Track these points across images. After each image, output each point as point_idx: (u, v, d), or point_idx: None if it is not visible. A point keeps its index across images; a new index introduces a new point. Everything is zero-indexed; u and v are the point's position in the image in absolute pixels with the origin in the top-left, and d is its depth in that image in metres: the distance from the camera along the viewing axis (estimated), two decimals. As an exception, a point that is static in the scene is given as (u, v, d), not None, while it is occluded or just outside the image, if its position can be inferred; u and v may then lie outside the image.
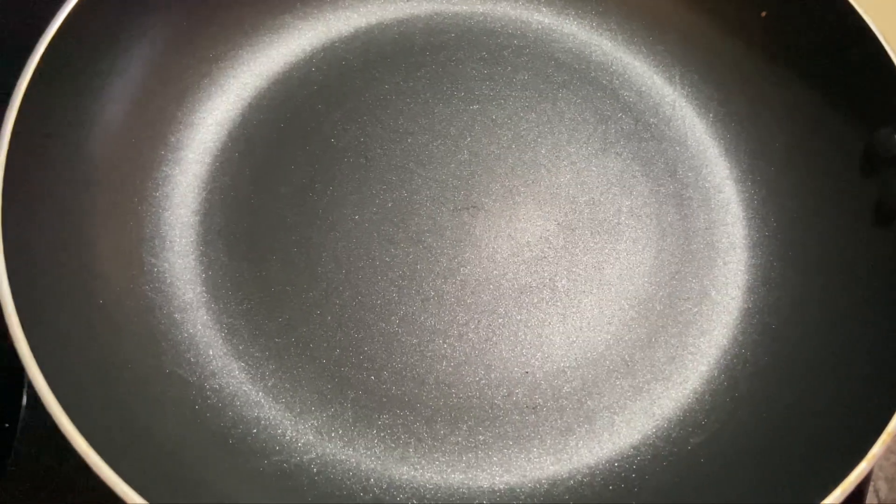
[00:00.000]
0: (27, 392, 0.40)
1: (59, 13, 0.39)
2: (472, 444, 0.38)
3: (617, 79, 0.49)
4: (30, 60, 0.37)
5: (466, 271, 0.42)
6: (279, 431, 0.38)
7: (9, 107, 0.36)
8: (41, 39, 0.38)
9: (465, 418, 0.39)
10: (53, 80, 0.38)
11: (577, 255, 0.43)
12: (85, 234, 0.39)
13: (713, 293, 0.42)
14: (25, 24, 0.40)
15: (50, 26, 0.38)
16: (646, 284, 0.42)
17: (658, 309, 0.42)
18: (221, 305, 0.41)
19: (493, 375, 0.40)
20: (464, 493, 0.37)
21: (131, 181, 0.42)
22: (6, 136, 0.36)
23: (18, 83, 0.37)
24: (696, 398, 0.40)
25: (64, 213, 0.38)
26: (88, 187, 0.40)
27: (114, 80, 0.42)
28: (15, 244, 0.34)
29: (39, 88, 0.37)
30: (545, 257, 0.43)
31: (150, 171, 0.43)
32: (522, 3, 0.51)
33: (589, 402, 0.39)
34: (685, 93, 0.48)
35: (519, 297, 0.42)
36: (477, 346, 0.40)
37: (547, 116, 0.47)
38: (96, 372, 0.35)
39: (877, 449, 0.31)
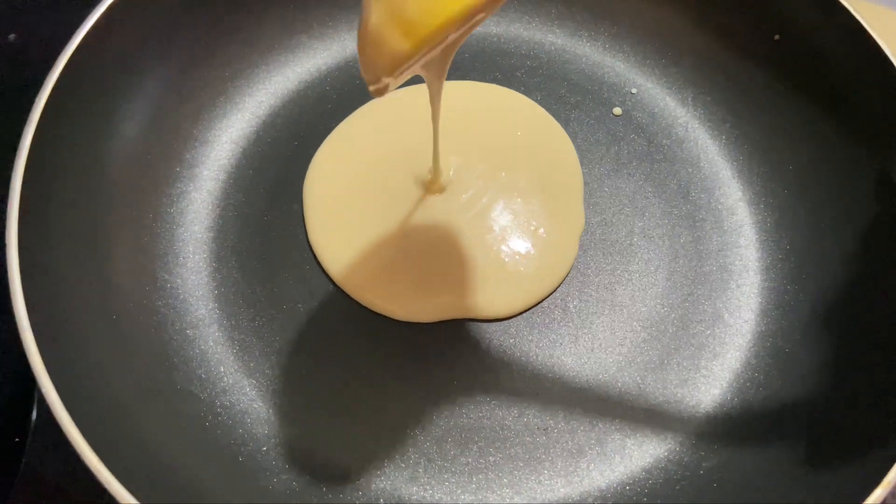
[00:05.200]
0: (37, 407, 0.40)
1: (77, 32, 0.39)
2: (483, 465, 0.38)
3: (630, 100, 0.49)
4: (48, 78, 0.38)
5: (478, 291, 0.42)
6: (289, 449, 0.38)
7: (27, 123, 0.37)
8: (59, 57, 0.38)
9: (476, 439, 0.38)
10: (71, 97, 0.39)
11: (588, 275, 0.43)
12: (100, 249, 0.39)
13: (726, 316, 0.42)
14: (44, 43, 0.41)
15: (68, 45, 0.39)
16: (658, 306, 0.42)
17: (670, 331, 0.42)
18: (233, 322, 0.41)
19: (503, 396, 0.40)
20: (474, 514, 0.37)
21: (146, 197, 0.43)
22: (24, 152, 0.36)
23: (37, 100, 0.37)
24: (709, 422, 0.39)
25: (79, 228, 0.38)
26: (104, 203, 0.40)
27: (131, 97, 0.43)
28: (30, 259, 0.34)
29: (57, 105, 0.38)
30: (557, 278, 0.43)
31: (165, 187, 0.44)
32: (536, 25, 0.52)
33: (600, 424, 0.39)
34: (698, 115, 0.48)
35: (530, 317, 0.42)
36: (488, 367, 0.40)
37: (559, 137, 0.48)
38: (108, 387, 0.35)
39: (892, 475, 0.31)
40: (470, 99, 0.48)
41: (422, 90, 0.47)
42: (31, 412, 0.40)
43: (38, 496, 0.39)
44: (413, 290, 0.41)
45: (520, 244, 0.43)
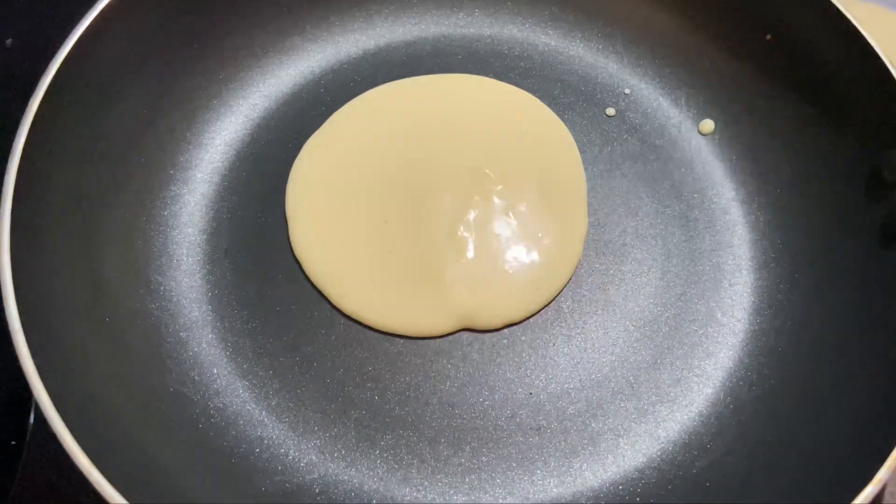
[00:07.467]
0: (34, 410, 0.41)
1: (71, 35, 0.39)
2: (476, 466, 0.38)
3: (623, 101, 0.49)
4: (42, 80, 0.38)
5: (471, 292, 0.42)
6: (282, 451, 0.38)
7: (20, 124, 0.37)
8: (54, 60, 0.38)
9: (469, 439, 0.39)
10: (64, 101, 0.39)
11: (581, 275, 0.43)
12: (93, 252, 0.39)
13: (719, 315, 0.42)
14: (42, 47, 0.41)
15: (62, 48, 0.39)
16: (651, 306, 0.42)
17: (663, 331, 0.42)
18: (227, 324, 0.41)
19: (496, 396, 0.40)
20: (466, 515, 0.37)
21: (140, 200, 0.43)
22: (17, 154, 0.36)
23: (30, 103, 0.37)
24: (702, 421, 0.39)
25: (72, 230, 0.38)
26: (97, 206, 0.40)
27: (124, 100, 0.43)
28: (22, 261, 0.34)
29: (50, 108, 0.38)
30: (550, 278, 0.43)
31: (158, 190, 0.44)
32: (529, 26, 0.52)
33: (593, 424, 0.39)
34: (691, 115, 0.49)
35: (523, 317, 0.42)
36: (481, 367, 0.40)
37: (553, 138, 0.48)
38: (101, 390, 0.35)
39: (883, 473, 0.31)
40: (475, 94, 0.48)
41: (411, 86, 0.46)
42: (28, 416, 0.40)
43: (35, 498, 0.39)
44: (409, 307, 0.41)
45: (523, 254, 0.42)
